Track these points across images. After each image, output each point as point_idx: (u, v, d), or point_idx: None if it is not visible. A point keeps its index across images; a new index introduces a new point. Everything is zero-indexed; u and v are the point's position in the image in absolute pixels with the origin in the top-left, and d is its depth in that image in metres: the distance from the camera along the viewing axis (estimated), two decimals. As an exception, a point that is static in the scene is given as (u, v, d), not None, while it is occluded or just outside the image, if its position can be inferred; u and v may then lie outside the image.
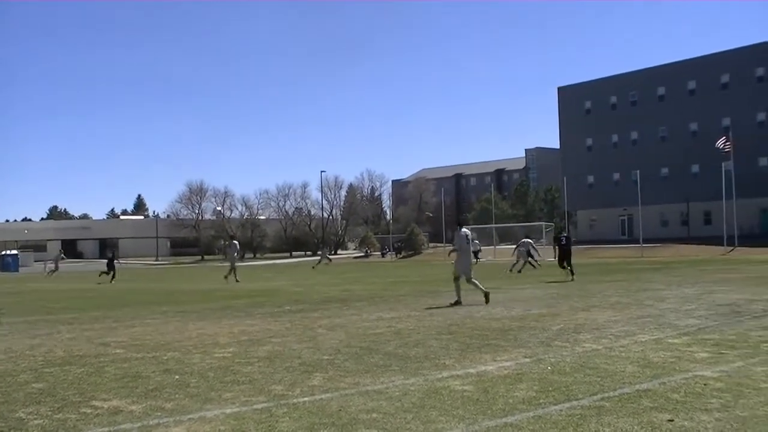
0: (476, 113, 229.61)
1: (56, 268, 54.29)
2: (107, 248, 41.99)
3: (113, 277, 39.03)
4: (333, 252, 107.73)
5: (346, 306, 17.58)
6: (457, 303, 16.75)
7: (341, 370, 8.51)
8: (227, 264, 36.21)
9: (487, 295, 16.72)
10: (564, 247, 27.96)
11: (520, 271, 34.60)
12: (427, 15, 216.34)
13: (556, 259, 28.67)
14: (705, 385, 7.12)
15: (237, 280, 32.40)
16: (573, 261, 27.81)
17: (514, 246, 41.65)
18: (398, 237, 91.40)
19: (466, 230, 17.78)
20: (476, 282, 17.18)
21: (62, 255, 60.69)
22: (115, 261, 41.60)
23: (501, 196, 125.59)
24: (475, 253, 52.69)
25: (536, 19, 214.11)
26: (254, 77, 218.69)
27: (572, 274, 26.79)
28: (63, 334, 13.06)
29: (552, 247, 30.49)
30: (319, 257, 63.76)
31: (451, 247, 18.14)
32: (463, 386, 7.38)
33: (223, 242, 37.09)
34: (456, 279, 17.40)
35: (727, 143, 56.45)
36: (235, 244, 35.65)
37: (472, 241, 22.32)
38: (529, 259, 37.89)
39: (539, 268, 36.84)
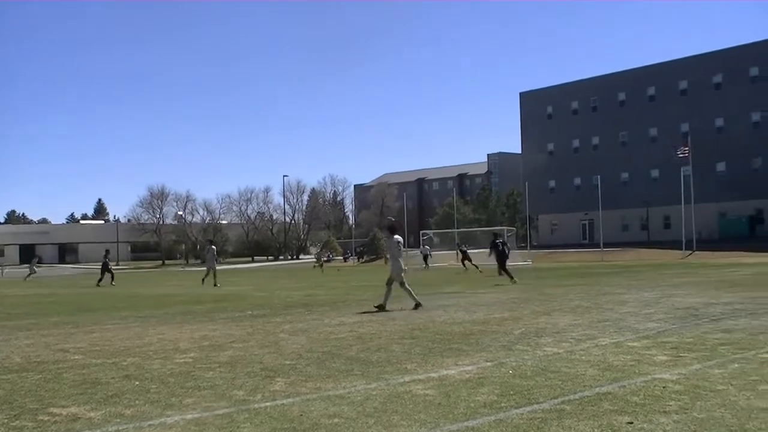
0: (439, 118, 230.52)
1: (32, 272, 56.02)
2: (106, 252, 41.87)
3: (112, 278, 39.11)
4: (295, 257, 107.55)
5: (309, 311, 17.53)
6: (381, 307, 16.82)
7: (303, 375, 8.48)
8: (205, 268, 36.08)
9: (417, 305, 16.71)
10: (501, 252, 28.40)
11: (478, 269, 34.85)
12: (389, 20, 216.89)
13: (496, 263, 29.11)
14: (664, 387, 7.19)
15: (215, 285, 32.09)
16: (509, 264, 28.28)
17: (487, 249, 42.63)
18: (361, 242, 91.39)
19: (398, 237, 17.93)
20: (409, 289, 17.24)
21: (37, 260, 62.81)
22: (109, 263, 41.28)
23: (463, 201, 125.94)
24: (425, 258, 53.17)
25: (498, 24, 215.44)
26: (215, 81, 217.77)
27: (511, 277, 27.04)
28: (21, 340, 12.87)
29: (488, 252, 30.94)
30: (316, 259, 64.43)
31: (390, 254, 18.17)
32: (425, 390, 7.39)
33: (204, 247, 37.62)
34: (389, 283, 17.43)
35: (686, 149, 57.17)
36: (213, 248, 35.51)
37: (423, 246, 22.81)
38: (465, 262, 39.45)
39: (480, 273, 38.10)
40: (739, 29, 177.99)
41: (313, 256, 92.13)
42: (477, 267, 41.20)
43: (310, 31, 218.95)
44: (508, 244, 35.20)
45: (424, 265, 52.25)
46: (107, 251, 42.64)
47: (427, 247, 59.68)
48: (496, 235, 31.23)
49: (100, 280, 38.92)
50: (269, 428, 6.11)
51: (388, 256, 18.11)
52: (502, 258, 28.31)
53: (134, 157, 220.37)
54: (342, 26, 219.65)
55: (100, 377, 8.75)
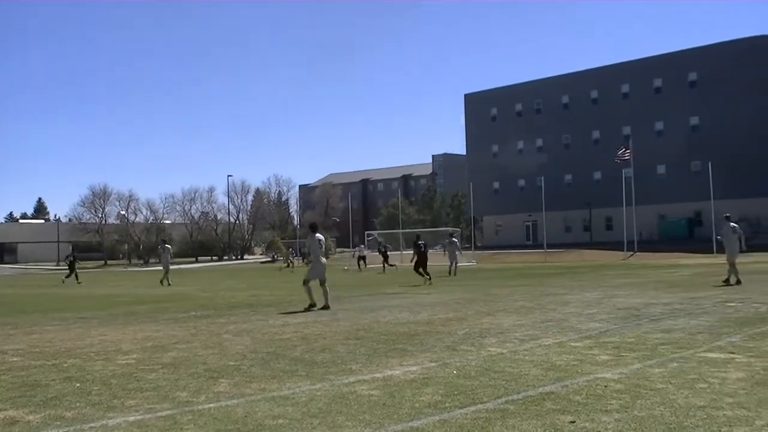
0: (383, 119, 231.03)
1: None
2: (73, 250, 42.36)
3: (76, 277, 40.38)
4: (239, 257, 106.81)
5: (253, 311, 17.43)
6: (312, 306, 17.03)
7: (247, 376, 8.43)
8: (161, 268, 36.41)
9: (326, 307, 16.92)
10: (422, 253, 29.14)
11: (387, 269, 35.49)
12: (333, 21, 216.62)
13: (412, 263, 30.04)
14: (605, 387, 7.28)
15: (169, 284, 32.91)
16: (462, 263, 28.64)
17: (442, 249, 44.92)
18: (305, 242, 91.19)
19: (320, 235, 18.20)
20: (327, 289, 17.43)
21: None
22: (75, 261, 42.20)
23: (408, 202, 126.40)
24: (363, 258, 53.13)
25: (442, 25, 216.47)
26: (157, 79, 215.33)
27: (429, 277, 27.92)
28: (-43, 342, 12.61)
29: (412, 253, 31.80)
30: (282, 259, 63.51)
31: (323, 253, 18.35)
32: (369, 391, 7.39)
33: (159, 247, 38.21)
34: (305, 283, 17.54)
35: (627, 152, 57.99)
36: (168, 248, 36.18)
37: (359, 247, 23.59)
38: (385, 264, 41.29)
39: (396, 271, 40.87)
40: (680, 35, 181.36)
41: (270, 257, 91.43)
42: (395, 266, 43.23)
43: (255, 31, 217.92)
44: (458, 244, 37.54)
45: (357, 268, 51.70)
46: (73, 249, 43.13)
47: (362, 246, 59.39)
48: (418, 236, 31.98)
49: (68, 276, 40.24)
50: (213, 430, 6.06)
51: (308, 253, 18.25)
52: (421, 259, 28.97)
53: (75, 156, 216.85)
54: (288, 29, 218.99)
55: (39, 379, 8.60)
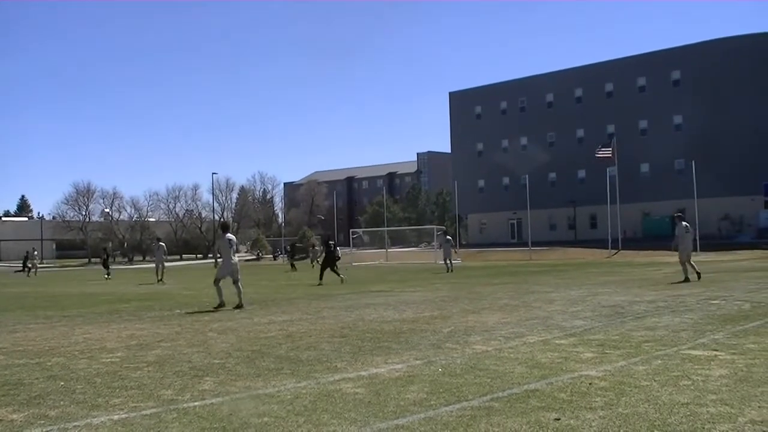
0: (369, 116, 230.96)
1: None
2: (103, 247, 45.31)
3: (106, 268, 43.42)
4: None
5: (238, 309, 17.39)
6: (221, 306, 17.31)
7: (232, 374, 8.42)
8: (153, 265, 37.95)
9: (240, 306, 17.22)
10: (331, 253, 29.98)
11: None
12: (318, 20, 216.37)
13: (320, 262, 31.50)
14: (590, 384, 7.31)
15: (161, 280, 34.14)
16: (453, 261, 28.63)
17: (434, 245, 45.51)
18: (290, 240, 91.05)
19: (230, 235, 18.33)
20: (240, 288, 17.69)
21: None
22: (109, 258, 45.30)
23: (393, 200, 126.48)
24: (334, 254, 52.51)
25: (428, 24, 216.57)
26: (142, 77, 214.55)
27: (340, 275, 28.83)
28: (-60, 340, 12.53)
29: (321, 251, 33.63)
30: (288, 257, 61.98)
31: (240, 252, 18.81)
32: (354, 389, 7.39)
33: (153, 244, 39.74)
34: (216, 282, 17.82)
35: (608, 151, 58.13)
36: (162, 245, 36.80)
37: (334, 246, 24.79)
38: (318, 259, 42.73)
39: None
40: (663, 35, 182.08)
41: (255, 255, 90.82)
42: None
43: (240, 28, 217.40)
44: (452, 241, 39.19)
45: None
46: (105, 248, 48.15)
47: (332, 242, 58.04)
48: (329, 237, 33.08)
49: (108, 274, 42.64)
50: (198, 428, 6.05)
51: (219, 253, 18.45)
52: (330, 258, 29.72)
53: (59, 153, 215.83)
54: (274, 28, 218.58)
55: (23, 378, 8.56)
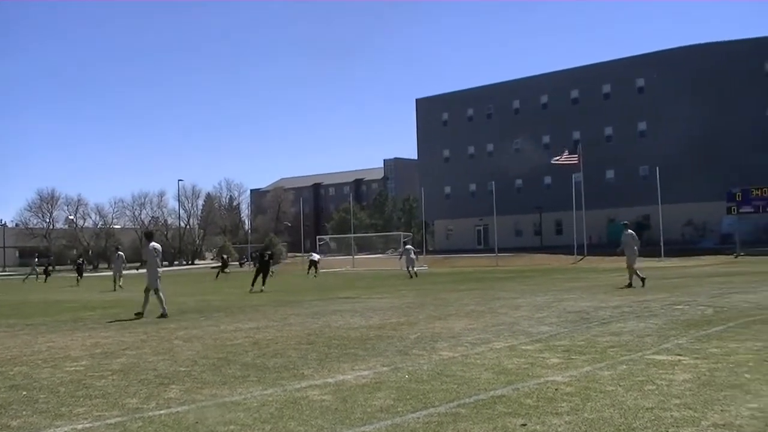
0: (335, 123, 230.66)
1: None
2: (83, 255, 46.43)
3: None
4: (189, 262, 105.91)
5: (204, 316, 17.31)
6: (139, 315, 17.47)
7: (198, 382, 8.37)
8: (112, 273, 38.83)
9: (162, 315, 17.23)
10: (265, 263, 31.80)
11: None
12: (284, 23, 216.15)
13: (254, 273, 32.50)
14: (556, 390, 7.35)
15: (121, 286, 35.06)
16: (416, 268, 28.62)
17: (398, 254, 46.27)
18: (256, 247, 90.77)
19: (155, 244, 18.48)
20: (161, 296, 17.75)
21: None
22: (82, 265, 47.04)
23: (360, 206, 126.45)
24: (315, 264, 52.66)
25: (393, 29, 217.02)
26: (106, 81, 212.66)
27: (262, 286, 30.11)
28: None
29: (253, 263, 35.45)
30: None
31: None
32: (321, 396, 7.38)
33: (113, 252, 41.32)
34: (147, 291, 17.94)
35: (573, 157, 58.54)
36: (121, 254, 38.67)
37: (269, 258, 25.85)
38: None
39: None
40: (628, 42, 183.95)
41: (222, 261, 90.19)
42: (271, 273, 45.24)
43: (205, 33, 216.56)
44: (413, 249, 37.66)
45: (272, 273, 50.42)
46: (81, 257, 46.65)
47: (265, 251, 57.49)
48: (266, 248, 35.84)
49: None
50: (163, 436, 6.01)
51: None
52: (265, 269, 31.35)
53: (22, 159, 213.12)
54: (237, 30, 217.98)
55: (-15, 387, 8.45)
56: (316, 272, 49.98)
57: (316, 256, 54.01)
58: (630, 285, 23.33)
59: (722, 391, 7.09)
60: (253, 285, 30.25)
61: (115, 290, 34.10)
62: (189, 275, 60.71)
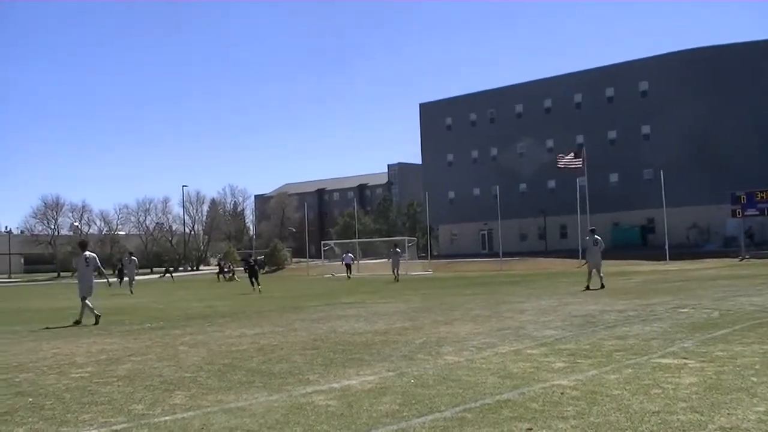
0: (338, 128, 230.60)
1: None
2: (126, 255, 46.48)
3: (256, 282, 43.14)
4: (194, 268, 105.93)
5: (209, 322, 17.32)
6: (77, 323, 17.91)
7: (204, 388, 8.37)
8: (127, 278, 40.04)
9: (97, 318, 17.93)
10: (252, 267, 35.87)
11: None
12: (287, 29, 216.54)
13: (248, 276, 36.63)
14: (562, 393, 7.34)
15: (132, 292, 36.49)
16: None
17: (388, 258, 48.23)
18: (261, 252, 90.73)
19: (89, 253, 18.73)
20: (89, 304, 18.12)
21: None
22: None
23: (364, 211, 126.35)
24: (233, 272, 53.45)
25: (398, 34, 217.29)
26: (109, 89, 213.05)
27: (258, 288, 33.90)
28: None
29: (244, 267, 39.67)
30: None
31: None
32: (327, 401, 7.38)
33: (125, 258, 43.44)
34: (83, 299, 18.21)
35: (578, 161, 58.44)
36: (134, 259, 41.02)
37: (255, 262, 28.43)
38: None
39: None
40: (631, 46, 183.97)
41: (226, 267, 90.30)
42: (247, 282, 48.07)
43: (210, 40, 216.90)
44: (401, 254, 39.08)
45: (345, 275, 51.60)
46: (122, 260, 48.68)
47: (349, 254, 57.94)
48: (250, 255, 39.75)
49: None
50: (169, 442, 6.01)
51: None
52: (253, 273, 35.49)
53: (27, 166, 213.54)
54: (241, 36, 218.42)
55: (-10, 394, 8.45)
56: (349, 274, 52.28)
57: (349, 258, 54.65)
58: (588, 287, 24.48)
59: (729, 394, 7.07)
60: (253, 287, 33.94)
61: (132, 293, 35.98)
62: (194, 281, 60.67)
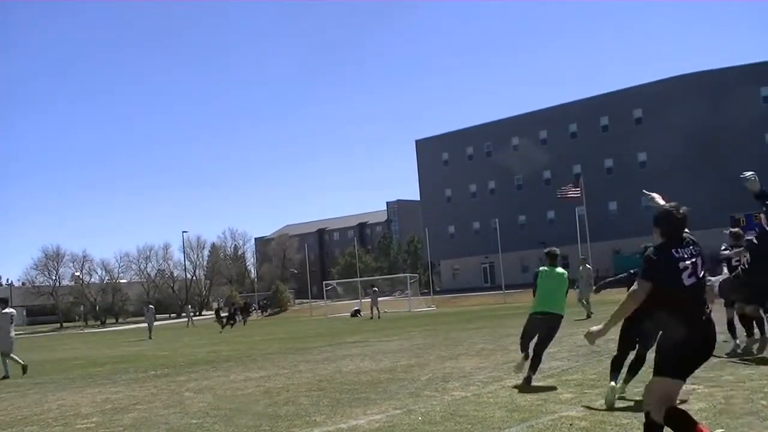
0: (336, 168, 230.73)
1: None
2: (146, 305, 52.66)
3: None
4: (197, 313, 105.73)
5: (214, 367, 17.26)
6: (5, 377, 18.35)
7: (210, 434, 8.33)
8: (146, 325, 44.78)
9: (24, 368, 18.89)
10: (232, 314, 42.68)
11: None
12: (289, 69, 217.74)
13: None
14: (570, 425, 7.30)
15: (151, 338, 39.61)
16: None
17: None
18: (264, 295, 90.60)
19: (9, 310, 19.26)
20: (15, 358, 18.94)
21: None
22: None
23: (364, 250, 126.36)
24: (232, 316, 53.76)
25: (391, 71, 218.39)
26: (106, 138, 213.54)
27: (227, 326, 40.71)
28: None
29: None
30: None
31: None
32: (335, 442, 7.34)
33: (144, 308, 48.66)
34: (2, 355, 18.80)
35: (575, 189, 58.56)
36: (152, 308, 46.51)
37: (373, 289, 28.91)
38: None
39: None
40: (622, 73, 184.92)
41: (229, 311, 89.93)
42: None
43: (205, 85, 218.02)
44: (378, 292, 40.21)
45: (371, 314, 46.75)
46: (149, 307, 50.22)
47: (375, 289, 54.67)
48: (233, 304, 44.04)
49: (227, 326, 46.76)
50: (177, 491, 5.97)
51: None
52: (230, 317, 42.92)
53: (26, 217, 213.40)
54: (235, 77, 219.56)
55: (-4, 449, 8.41)
56: (378, 313, 46.21)
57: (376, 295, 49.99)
58: (589, 316, 25.72)
59: (739, 418, 7.04)
60: (221, 328, 41.05)
61: (151, 338, 39.43)
62: (196, 326, 60.43)
